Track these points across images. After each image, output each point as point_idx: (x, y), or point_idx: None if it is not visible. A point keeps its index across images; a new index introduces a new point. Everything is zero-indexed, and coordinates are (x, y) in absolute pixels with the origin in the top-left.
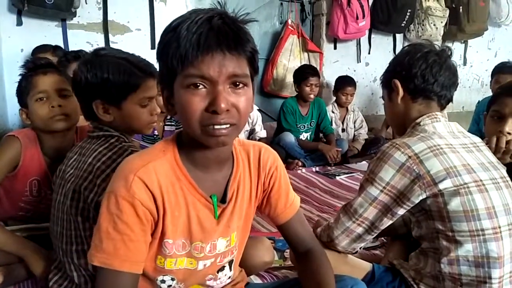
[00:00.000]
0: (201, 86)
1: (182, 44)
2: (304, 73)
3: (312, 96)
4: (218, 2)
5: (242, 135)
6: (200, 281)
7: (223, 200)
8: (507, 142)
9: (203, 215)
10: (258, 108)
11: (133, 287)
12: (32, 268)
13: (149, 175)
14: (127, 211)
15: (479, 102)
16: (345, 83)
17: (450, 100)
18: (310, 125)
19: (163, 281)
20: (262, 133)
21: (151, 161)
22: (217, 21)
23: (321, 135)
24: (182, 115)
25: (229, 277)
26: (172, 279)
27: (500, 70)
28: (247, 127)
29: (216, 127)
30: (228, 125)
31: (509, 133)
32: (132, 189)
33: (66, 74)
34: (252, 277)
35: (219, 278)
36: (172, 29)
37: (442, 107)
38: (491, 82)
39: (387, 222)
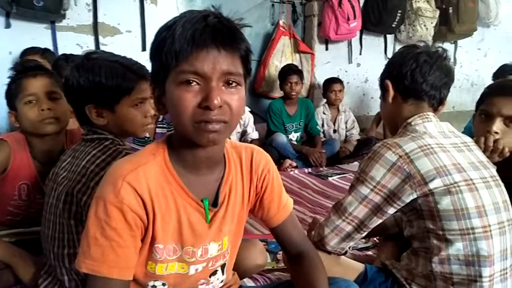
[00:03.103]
0: (194, 83)
1: (177, 40)
2: (284, 73)
3: (293, 94)
4: (213, 6)
5: (234, 137)
6: (192, 286)
7: (214, 203)
8: (495, 141)
9: (194, 219)
10: (250, 109)
11: None
12: (20, 275)
13: (139, 180)
14: (115, 217)
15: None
16: (331, 81)
17: (442, 100)
18: (299, 125)
19: (154, 286)
20: (254, 134)
21: (140, 165)
22: (212, 19)
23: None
24: (174, 112)
25: (222, 281)
26: (163, 284)
27: (498, 77)
28: (238, 129)
29: (208, 126)
30: (220, 123)
31: (496, 133)
32: (120, 194)
33: (58, 75)
34: (245, 279)
35: (212, 283)
36: (167, 28)
37: (433, 107)
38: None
39: (376, 221)
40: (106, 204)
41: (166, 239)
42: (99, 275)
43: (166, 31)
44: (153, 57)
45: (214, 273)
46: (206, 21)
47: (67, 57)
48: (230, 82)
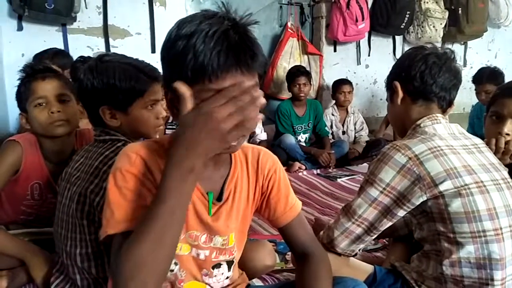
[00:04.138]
0: None
1: (200, 58)
2: (292, 74)
3: (302, 95)
4: (223, 3)
5: None
6: (196, 275)
7: (219, 198)
8: (506, 143)
9: (199, 208)
10: None
11: None
12: (33, 273)
13: (150, 157)
14: (133, 181)
15: (473, 106)
16: (340, 82)
17: (451, 102)
18: (308, 126)
19: None
20: (262, 135)
21: (153, 148)
22: (233, 35)
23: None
24: None
25: (227, 277)
26: (175, 263)
27: (477, 80)
28: None
29: None
30: (239, 138)
31: (508, 134)
32: (136, 164)
33: (74, 78)
34: (253, 279)
35: (215, 276)
36: (184, 37)
37: (443, 109)
38: (475, 89)
39: (386, 223)
40: (123, 172)
41: None
42: (125, 231)
43: (183, 41)
44: (168, 64)
45: (217, 266)
46: (228, 40)
47: (84, 59)
48: None
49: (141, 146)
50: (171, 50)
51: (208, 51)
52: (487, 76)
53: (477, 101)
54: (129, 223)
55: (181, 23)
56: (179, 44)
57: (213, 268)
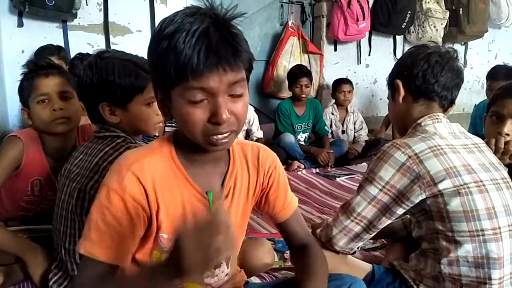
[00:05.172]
0: (201, 98)
1: (181, 59)
2: (294, 74)
3: (303, 96)
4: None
5: (240, 135)
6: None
7: (219, 196)
8: (506, 143)
9: (199, 211)
10: (254, 108)
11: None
12: (31, 270)
13: (143, 170)
14: (116, 205)
15: (475, 105)
16: (340, 82)
17: (452, 101)
18: (307, 125)
19: None
20: (259, 133)
21: (147, 156)
22: (214, 33)
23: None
24: (184, 126)
25: (226, 274)
26: None
27: (493, 77)
28: (244, 127)
29: (219, 136)
30: (228, 133)
31: (507, 134)
32: (124, 183)
33: (72, 75)
34: (252, 277)
35: (216, 275)
36: (167, 37)
37: (444, 108)
38: (486, 86)
39: (385, 222)
40: (109, 191)
41: (170, 229)
42: (91, 257)
43: (166, 41)
44: (153, 66)
45: (218, 265)
46: (208, 38)
47: (83, 56)
48: (235, 91)
49: (135, 156)
50: (155, 51)
51: (189, 50)
52: (504, 74)
53: (479, 101)
54: (97, 249)
55: (163, 23)
56: (162, 45)
57: (214, 268)
